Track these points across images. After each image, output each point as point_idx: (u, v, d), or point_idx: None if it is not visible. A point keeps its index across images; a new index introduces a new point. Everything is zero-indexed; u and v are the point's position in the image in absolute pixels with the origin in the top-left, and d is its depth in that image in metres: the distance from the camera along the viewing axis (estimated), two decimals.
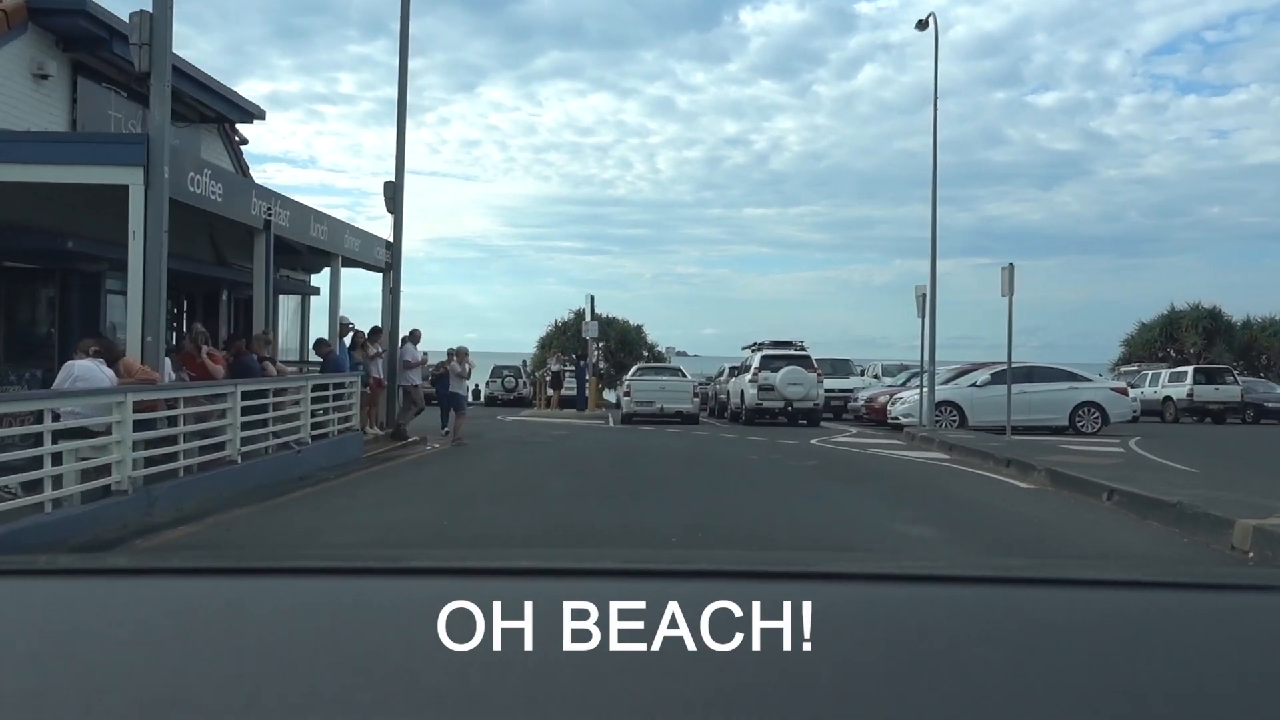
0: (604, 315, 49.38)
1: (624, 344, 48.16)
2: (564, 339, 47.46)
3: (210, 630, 0.98)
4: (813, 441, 20.50)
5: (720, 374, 34.07)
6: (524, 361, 45.82)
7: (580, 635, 0.95)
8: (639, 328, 49.45)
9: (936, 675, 0.90)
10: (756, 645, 0.94)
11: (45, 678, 0.88)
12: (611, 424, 26.43)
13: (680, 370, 28.78)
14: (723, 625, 0.97)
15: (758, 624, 0.97)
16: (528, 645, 0.93)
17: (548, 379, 34.39)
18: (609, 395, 49.88)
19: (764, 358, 26.67)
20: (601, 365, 49.52)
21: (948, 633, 0.99)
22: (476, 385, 45.46)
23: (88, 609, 1.04)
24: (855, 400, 28.35)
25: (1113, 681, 0.89)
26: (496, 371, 42.32)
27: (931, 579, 1.27)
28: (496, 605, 0.99)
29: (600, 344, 49.26)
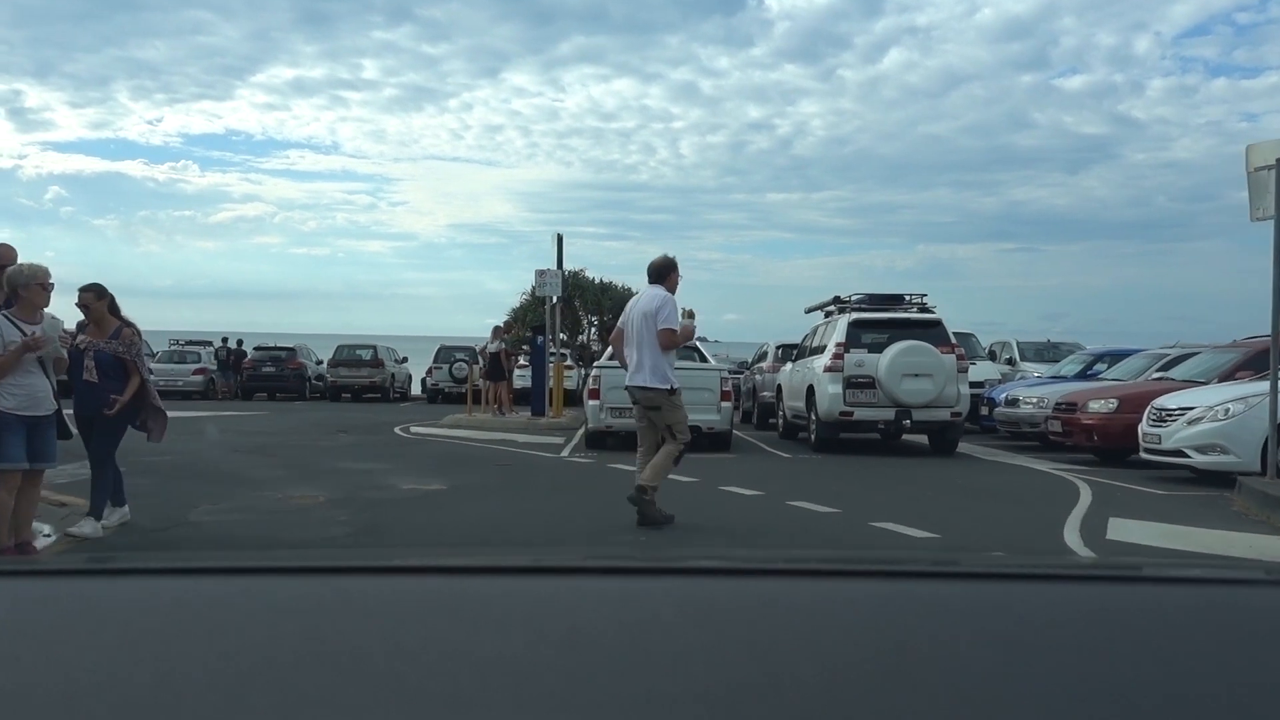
0: (599, 280, 37.34)
1: None
2: (540, 312, 35.55)
3: (192, 630, 0.96)
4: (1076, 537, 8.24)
5: (760, 358, 21.74)
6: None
7: (564, 634, 0.94)
8: None
9: (922, 672, 0.88)
10: (741, 644, 0.92)
11: (24, 679, 0.86)
12: (567, 452, 14.20)
13: (697, 351, 16.23)
14: (706, 623, 0.97)
15: (740, 622, 0.97)
16: (511, 644, 0.91)
17: (479, 365, 22.26)
18: None
19: (853, 325, 14.31)
20: (595, 345, 37.50)
21: (932, 629, 0.97)
22: (413, 375, 33.79)
23: (67, 609, 1.02)
24: (997, 402, 15.90)
25: (1100, 678, 0.86)
26: (444, 354, 30.20)
27: (915, 575, 1.25)
28: (481, 604, 1.02)
29: (594, 319, 37.43)
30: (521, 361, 26.85)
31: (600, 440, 14.26)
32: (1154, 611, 1.03)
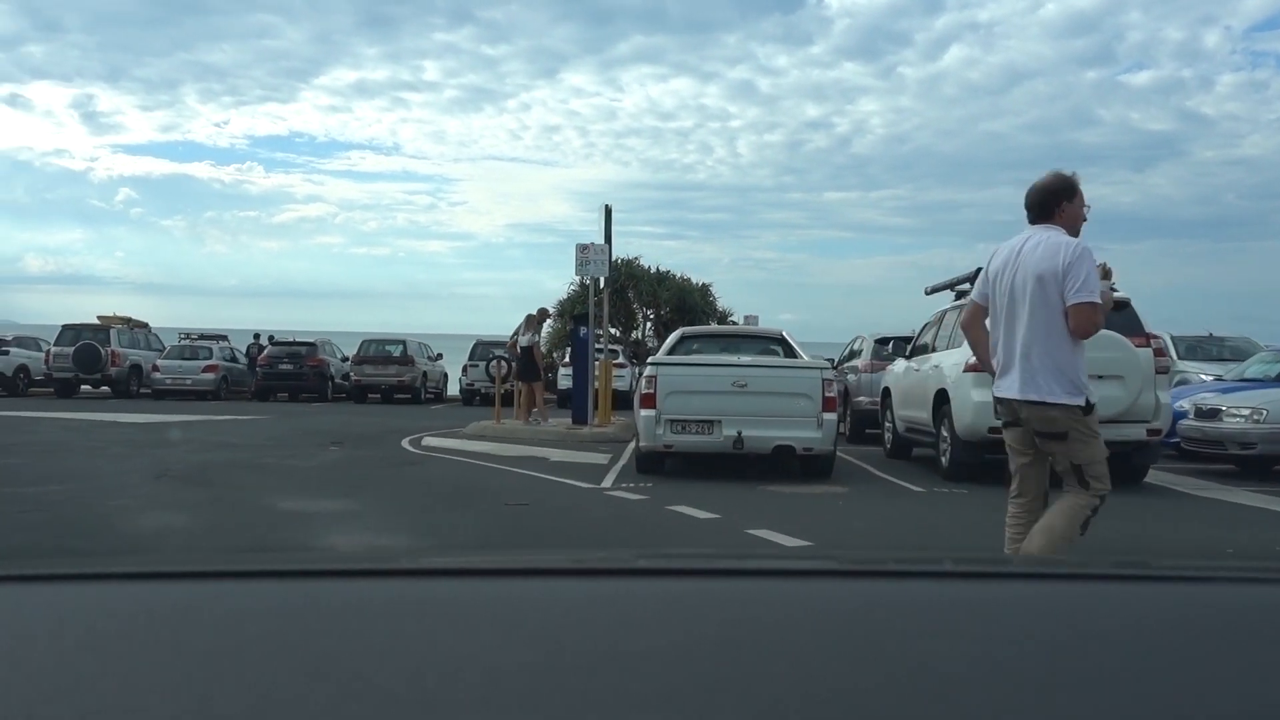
0: (653, 268, 33.60)
1: (682, 310, 32.07)
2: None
3: (159, 635, 0.94)
4: None
5: (850, 355, 17.83)
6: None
7: (539, 636, 0.93)
8: (704, 287, 33.29)
9: (903, 672, 0.87)
10: (719, 645, 0.91)
11: None
12: (611, 479, 10.48)
13: (783, 340, 12.36)
14: (684, 625, 0.96)
15: (719, 623, 0.96)
16: (485, 646, 0.90)
17: (509, 360, 18.62)
18: None
19: None
20: (650, 342, 33.75)
21: (913, 629, 0.96)
22: (448, 374, 30.30)
23: (31, 615, 1.00)
24: (1181, 414, 11.81)
25: (1095, 677, 0.86)
26: (480, 351, 26.71)
27: (894, 575, 1.24)
28: (454, 606, 1.01)
29: (650, 312, 33.66)
30: (566, 358, 23.30)
31: (656, 463, 10.56)
32: (1151, 610, 1.03)
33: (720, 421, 10.00)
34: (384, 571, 1.26)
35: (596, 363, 16.67)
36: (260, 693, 0.82)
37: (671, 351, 11.73)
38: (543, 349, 16.95)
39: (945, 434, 10.68)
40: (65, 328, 26.13)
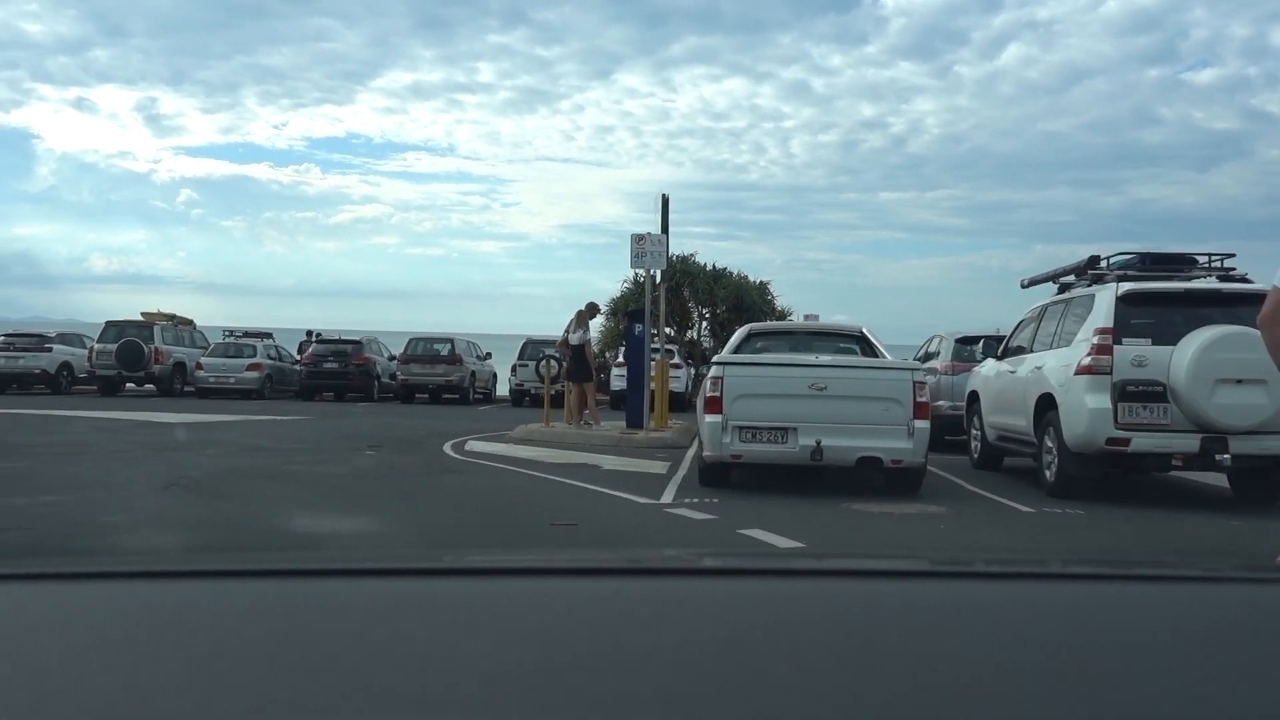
0: (709, 266, 32.36)
1: (739, 309, 30.86)
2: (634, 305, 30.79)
3: (163, 634, 0.95)
4: None
5: (929, 354, 16.42)
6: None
7: (536, 635, 0.93)
8: (762, 285, 32.00)
9: (898, 671, 0.87)
10: (714, 644, 0.92)
11: None
12: (671, 493, 9.33)
13: (862, 337, 11.10)
14: (679, 623, 0.96)
15: (713, 622, 0.97)
16: (483, 645, 0.91)
17: (560, 359, 17.49)
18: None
19: (1126, 301, 8.94)
20: (705, 342, 32.54)
21: (909, 628, 0.97)
22: (498, 374, 29.33)
23: (36, 614, 1.01)
24: None
25: (1089, 675, 0.86)
26: (530, 350, 25.71)
27: (891, 575, 1.25)
28: (453, 605, 1.02)
29: (706, 311, 32.43)
30: (620, 358, 22.22)
31: (721, 475, 9.39)
32: (1145, 609, 1.03)
33: (796, 429, 8.81)
34: (386, 571, 1.25)
35: (653, 362, 15.54)
36: (263, 691, 0.82)
37: (737, 350, 10.54)
38: (594, 347, 15.79)
39: (1050, 444, 9.40)
40: (109, 324, 25.56)
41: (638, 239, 14.38)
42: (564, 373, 16.19)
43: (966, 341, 14.66)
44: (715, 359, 9.47)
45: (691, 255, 31.42)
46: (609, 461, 12.01)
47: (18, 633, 0.95)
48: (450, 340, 26.17)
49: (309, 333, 28.52)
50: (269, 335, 27.50)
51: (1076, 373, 8.94)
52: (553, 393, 25.27)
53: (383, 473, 10.61)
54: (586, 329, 15.37)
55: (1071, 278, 10.42)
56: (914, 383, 8.93)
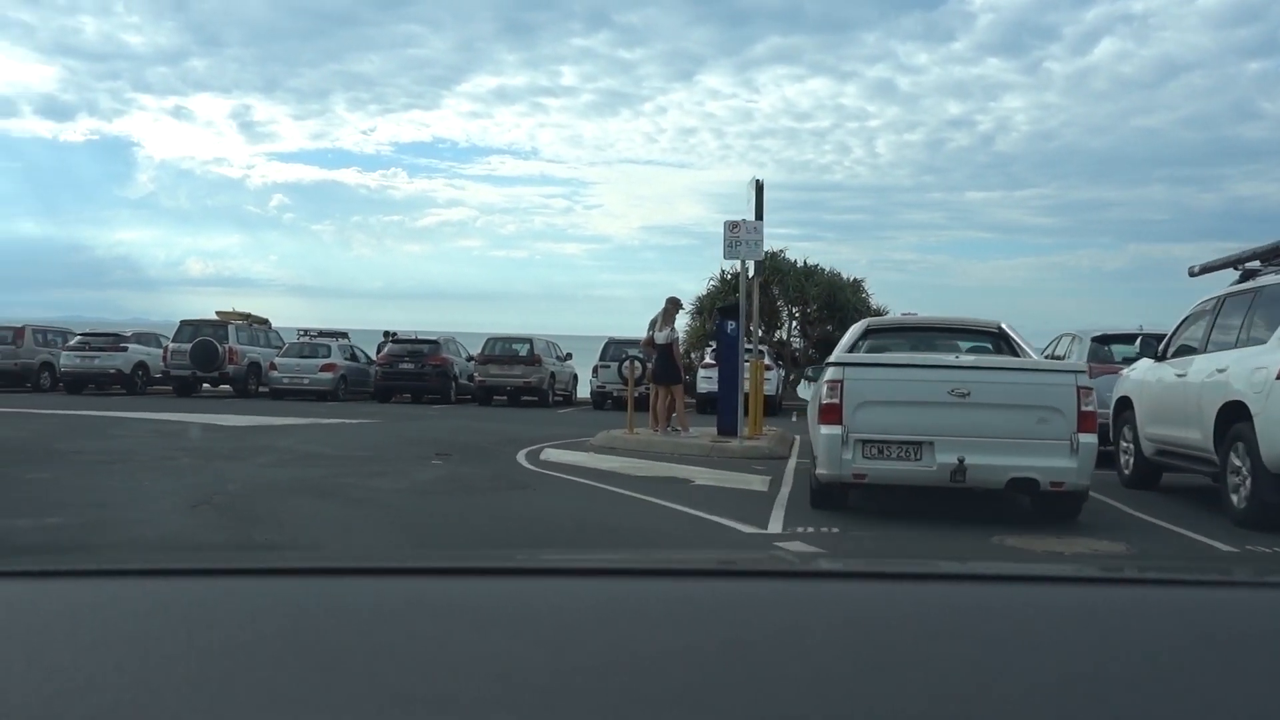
0: (803, 263, 30.67)
1: (831, 308, 29.21)
2: (725, 301, 29.20)
3: (174, 631, 0.95)
4: None
5: (1058, 355, 14.60)
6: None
7: (547, 635, 0.93)
8: (856, 283, 30.22)
9: (906, 673, 0.87)
10: (725, 644, 0.91)
11: (6, 681, 0.85)
12: (779, 520, 7.88)
13: (1001, 334, 9.28)
14: (690, 624, 0.96)
15: (725, 623, 0.97)
16: (495, 645, 0.91)
17: (644, 360, 16.11)
18: (806, 392, 31.04)
19: None
20: (795, 342, 30.93)
21: (916, 630, 0.96)
22: (578, 375, 28.10)
23: (50, 611, 1.01)
24: None
25: (1088, 679, 0.86)
26: (612, 351, 24.45)
27: (899, 577, 1.24)
28: (464, 605, 1.02)
29: (795, 310, 30.77)
30: (706, 359, 20.81)
31: (837, 498, 7.91)
32: (1160, 613, 1.03)
33: (933, 444, 7.29)
34: (397, 570, 1.25)
35: (746, 362, 14.12)
36: (274, 689, 0.82)
37: (853, 349, 9.02)
38: (681, 346, 14.38)
39: (1239, 464, 7.73)
40: (184, 323, 25.00)
41: (731, 226, 12.97)
42: (649, 374, 14.84)
43: (1105, 340, 12.92)
44: (832, 358, 7.96)
45: (781, 251, 29.79)
46: (701, 475, 10.63)
47: (30, 629, 0.95)
48: (529, 340, 25.02)
49: (386, 333, 27.70)
50: (344, 335, 26.73)
51: (1279, 377, 7.28)
52: (636, 395, 23.98)
53: (445, 488, 9.38)
54: (673, 326, 14.00)
55: (1257, 263, 8.72)
56: (1079, 388, 7.32)
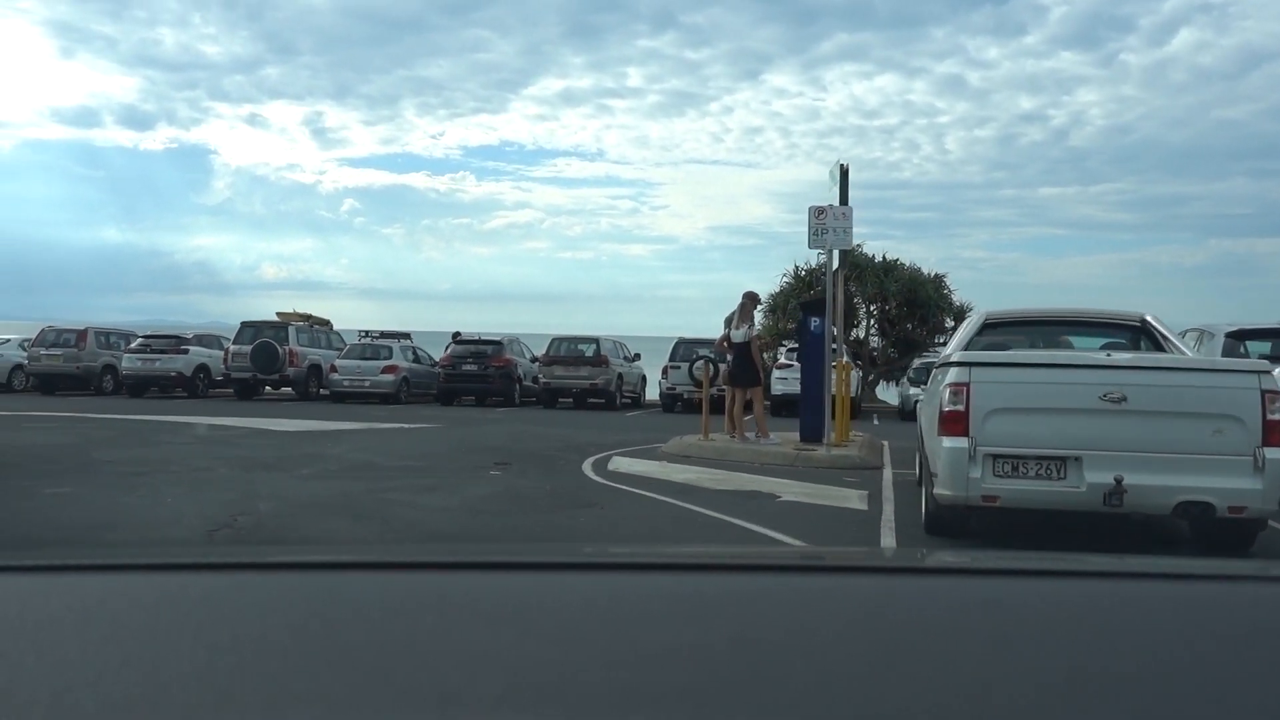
0: (881, 257, 29.19)
1: (912, 305, 27.76)
2: (808, 295, 27.77)
3: (183, 625, 0.95)
4: None
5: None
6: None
7: (552, 629, 0.92)
8: (938, 279, 28.72)
9: (909, 667, 0.86)
10: (728, 639, 0.91)
11: (14, 675, 0.84)
12: (886, 549, 6.67)
13: (1146, 329, 7.81)
14: (693, 618, 0.95)
15: (728, 617, 0.96)
16: (500, 639, 0.90)
17: (714, 359, 14.90)
18: (886, 394, 29.51)
19: None
20: (873, 340, 29.45)
21: (920, 625, 0.96)
22: (647, 377, 26.99)
23: (60, 605, 1.00)
24: None
25: (1091, 674, 0.85)
26: (682, 351, 23.33)
27: (903, 571, 1.25)
28: (469, 599, 1.02)
29: (873, 308, 29.29)
30: (780, 359, 19.58)
31: (956, 522, 6.66)
32: (1168, 608, 1.02)
33: (1080, 459, 6.01)
34: (405, 565, 1.24)
35: (833, 365, 12.89)
36: (282, 684, 0.83)
37: (968, 346, 7.74)
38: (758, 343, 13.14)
39: None
40: (244, 325, 24.42)
41: (817, 212, 11.75)
42: (725, 375, 13.68)
43: (1241, 336, 11.43)
44: (955, 356, 6.68)
45: (858, 246, 28.37)
46: (788, 489, 9.46)
47: (40, 623, 0.95)
48: (595, 340, 23.99)
49: (455, 334, 26.97)
50: (407, 336, 25.96)
51: None
52: (707, 397, 22.80)
53: (500, 506, 8.35)
54: (751, 323, 12.82)
55: None
56: (1264, 392, 5.98)
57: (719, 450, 12.20)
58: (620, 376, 24.02)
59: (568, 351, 23.87)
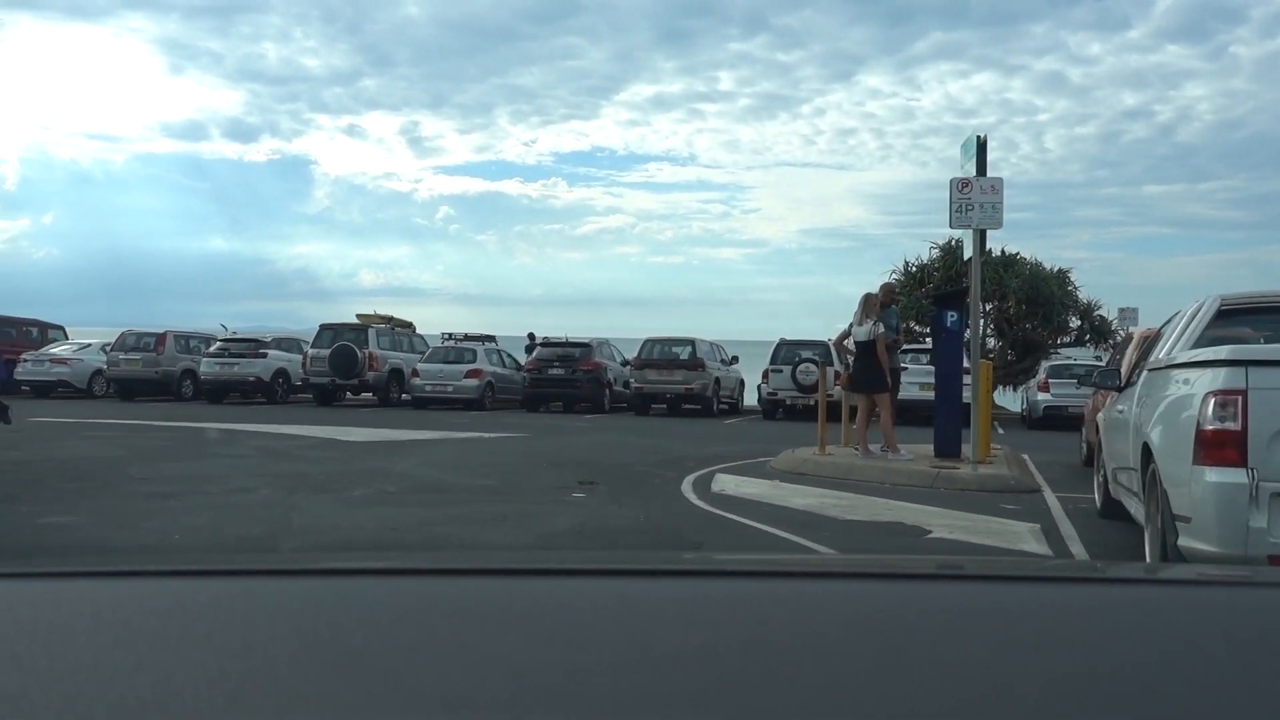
0: (999, 251, 26.84)
1: (1034, 303, 25.49)
2: (918, 292, 25.60)
3: (192, 632, 0.94)
4: None
5: None
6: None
7: (563, 635, 0.92)
8: (1061, 274, 26.37)
9: (919, 673, 0.85)
10: (739, 645, 0.90)
11: (25, 680, 0.85)
12: None
13: None
14: (704, 624, 0.95)
15: (738, 623, 0.96)
16: (510, 646, 0.89)
17: (843, 358, 13.04)
18: (1003, 400, 27.12)
19: None
20: (990, 340, 27.14)
21: (930, 630, 0.95)
22: (745, 381, 25.21)
23: (68, 610, 1.00)
24: None
25: (1096, 679, 0.84)
26: (785, 353, 21.56)
27: (912, 577, 1.23)
28: (480, 605, 1.01)
29: (991, 306, 26.99)
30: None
31: None
32: (1174, 613, 1.02)
33: None
34: (414, 571, 1.24)
35: (967, 368, 10.98)
36: (291, 689, 0.82)
37: (1198, 341, 5.80)
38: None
39: None
40: (323, 327, 23.37)
41: (960, 185, 9.89)
42: (846, 379, 11.86)
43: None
44: (1223, 353, 4.73)
45: None
46: (936, 520, 7.67)
47: (53, 629, 0.95)
48: (691, 342, 22.32)
49: (530, 336, 25.59)
50: (492, 338, 24.66)
51: None
52: (810, 403, 20.82)
53: (585, 541, 6.74)
54: (878, 320, 11.00)
55: None
56: None
57: (840, 467, 10.43)
58: (717, 381, 22.32)
59: (661, 354, 22.25)
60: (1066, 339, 26.78)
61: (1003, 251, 26.04)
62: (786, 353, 21.49)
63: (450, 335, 24.56)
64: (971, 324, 10.66)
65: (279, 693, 0.81)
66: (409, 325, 25.30)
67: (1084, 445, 12.50)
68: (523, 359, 23.91)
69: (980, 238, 10.31)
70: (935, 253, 26.38)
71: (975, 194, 9.82)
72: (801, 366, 20.84)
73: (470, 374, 22.41)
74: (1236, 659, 0.88)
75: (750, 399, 23.90)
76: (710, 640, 0.90)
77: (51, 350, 24.55)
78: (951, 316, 11.17)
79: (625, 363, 23.14)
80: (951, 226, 10.23)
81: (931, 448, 11.28)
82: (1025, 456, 12.21)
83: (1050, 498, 9.09)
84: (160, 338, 23.75)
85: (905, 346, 17.96)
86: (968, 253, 11.35)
